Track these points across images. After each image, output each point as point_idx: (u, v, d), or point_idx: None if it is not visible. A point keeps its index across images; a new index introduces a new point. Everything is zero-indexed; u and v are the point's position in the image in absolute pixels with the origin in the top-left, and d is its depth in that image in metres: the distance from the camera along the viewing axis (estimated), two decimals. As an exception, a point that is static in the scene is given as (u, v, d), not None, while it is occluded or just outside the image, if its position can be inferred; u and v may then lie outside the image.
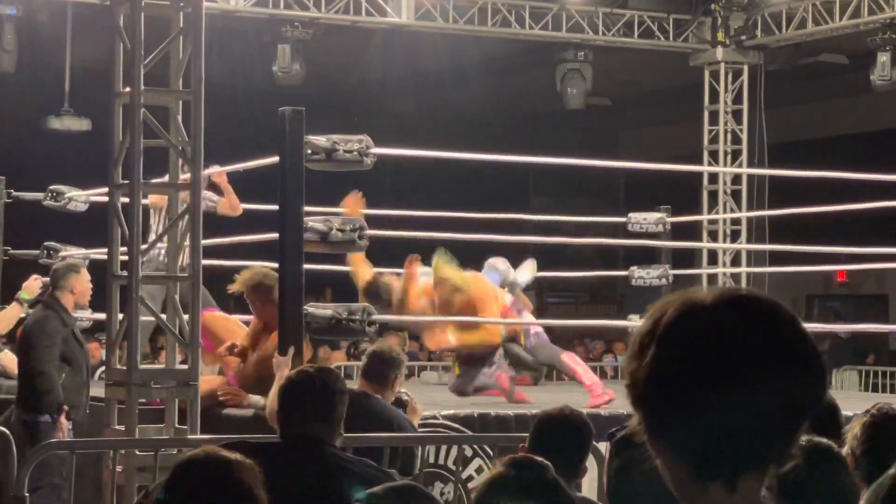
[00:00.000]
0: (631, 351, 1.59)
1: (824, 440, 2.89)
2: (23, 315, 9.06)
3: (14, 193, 10.94)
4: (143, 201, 6.34)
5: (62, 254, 10.64)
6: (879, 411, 3.27)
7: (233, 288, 7.75)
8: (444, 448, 7.29)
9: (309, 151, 7.10)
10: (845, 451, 3.12)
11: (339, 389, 4.08)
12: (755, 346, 1.53)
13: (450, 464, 7.09)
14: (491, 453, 6.79)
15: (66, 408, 7.70)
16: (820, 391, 1.57)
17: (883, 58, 14.29)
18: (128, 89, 6.31)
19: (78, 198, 10.54)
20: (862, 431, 3.18)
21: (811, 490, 2.76)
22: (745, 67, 15.52)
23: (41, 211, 10.78)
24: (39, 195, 10.71)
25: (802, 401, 1.55)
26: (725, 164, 15.37)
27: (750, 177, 14.95)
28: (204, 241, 6.45)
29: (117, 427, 6.31)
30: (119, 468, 6.02)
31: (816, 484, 2.78)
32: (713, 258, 15.08)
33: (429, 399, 8.46)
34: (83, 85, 15.26)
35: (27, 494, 5.47)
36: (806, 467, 2.76)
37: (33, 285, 9.14)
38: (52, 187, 10.65)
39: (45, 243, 10.79)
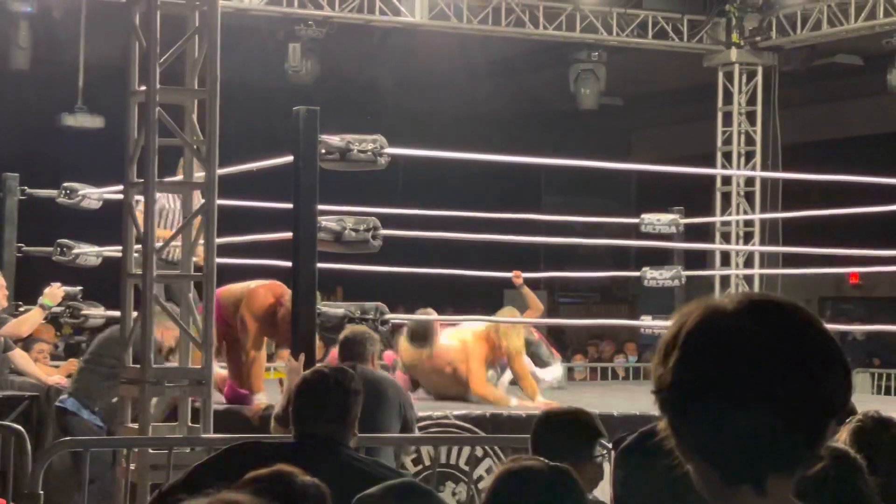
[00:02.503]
0: (657, 357, 1.61)
1: (842, 446, 2.89)
2: (43, 321, 9.15)
3: (28, 190, 10.97)
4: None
5: (75, 251, 10.66)
6: (866, 416, 3.26)
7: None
8: (455, 448, 7.29)
9: (323, 151, 7.11)
10: None
11: (353, 390, 4.07)
12: (777, 349, 1.54)
13: (461, 464, 7.09)
14: (502, 454, 6.78)
15: None
16: (844, 392, 1.58)
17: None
18: (143, 88, 6.32)
19: (91, 195, 10.55)
20: (850, 437, 3.17)
21: (829, 496, 2.75)
22: (760, 68, 15.49)
23: (55, 208, 10.80)
24: (53, 192, 10.73)
25: (827, 402, 1.56)
26: (739, 166, 15.34)
27: (763, 178, 14.92)
28: (218, 240, 6.46)
29: (131, 425, 6.32)
30: (132, 466, 6.03)
31: (834, 490, 2.77)
32: (726, 260, 15.05)
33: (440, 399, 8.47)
34: (97, 82, 15.28)
35: (41, 492, 5.47)
36: (824, 472, 2.76)
37: (56, 292, 9.17)
38: (65, 184, 10.66)
39: (59, 240, 10.80)
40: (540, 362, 10.09)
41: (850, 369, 1.60)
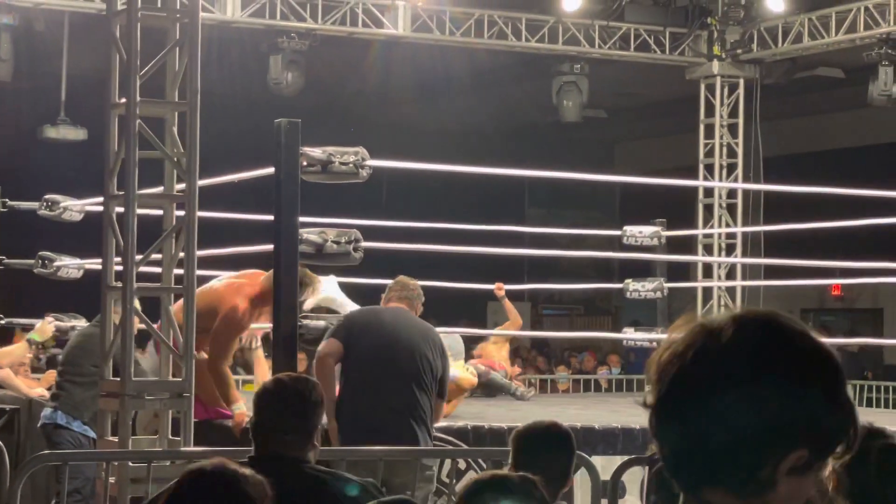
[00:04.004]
0: (648, 375, 1.61)
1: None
2: (29, 356, 9.07)
3: (9, 203, 10.93)
4: (139, 211, 6.31)
5: (57, 263, 10.64)
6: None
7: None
8: (437, 461, 7.27)
9: (304, 163, 7.11)
10: (828, 470, 3.11)
11: (313, 400, 4.04)
12: (762, 368, 1.54)
13: (443, 477, 7.07)
14: (485, 466, 6.77)
15: None
16: (841, 421, 1.57)
17: (885, 73, 14.30)
18: (123, 100, 6.30)
19: (73, 207, 10.52)
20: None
21: (879, 490, 2.77)
22: (741, 81, 15.54)
23: (36, 220, 10.77)
24: (35, 205, 10.70)
25: (814, 421, 1.55)
26: (721, 178, 15.38)
27: (745, 190, 14.96)
28: (198, 253, 6.44)
29: (111, 438, 6.30)
30: (112, 479, 6.01)
31: (886, 483, 2.79)
32: (708, 272, 15.08)
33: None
34: (79, 94, 15.25)
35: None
36: (877, 466, 2.78)
37: (47, 328, 9.10)
38: (46, 197, 10.64)
39: (40, 253, 10.77)
40: (497, 386, 10.33)
41: (841, 386, 1.58)
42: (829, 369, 1.57)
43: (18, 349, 9.18)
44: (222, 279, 7.90)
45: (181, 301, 7.41)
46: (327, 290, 8.36)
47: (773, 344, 1.56)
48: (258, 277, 7.59)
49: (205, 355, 7.43)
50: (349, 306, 8.25)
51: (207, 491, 2.79)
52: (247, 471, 2.83)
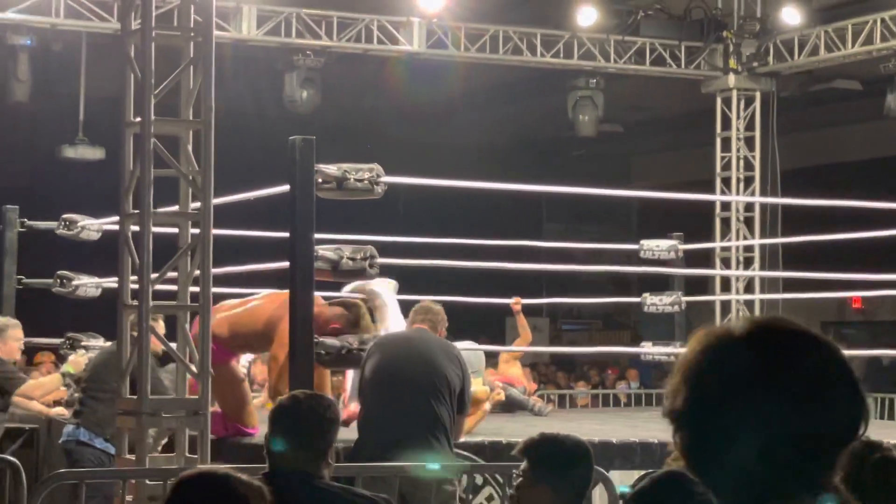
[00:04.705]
0: (669, 383, 1.62)
1: None
2: (63, 389, 9.11)
3: (28, 223, 10.98)
4: (154, 230, 6.33)
5: (75, 282, 10.67)
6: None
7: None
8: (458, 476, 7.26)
9: (320, 180, 7.12)
10: None
11: (328, 417, 4.05)
12: (780, 377, 1.55)
13: (461, 492, 7.06)
14: (501, 481, 6.76)
15: None
16: (852, 424, 1.57)
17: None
18: (138, 119, 6.33)
19: (90, 226, 10.56)
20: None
21: (874, 502, 2.77)
22: (758, 94, 15.51)
23: (55, 240, 10.81)
24: (53, 224, 10.74)
25: (833, 434, 1.56)
26: (738, 191, 15.35)
27: (763, 203, 14.93)
28: (214, 270, 6.46)
29: (128, 456, 6.31)
30: (129, 497, 6.01)
31: (881, 495, 2.78)
32: (726, 285, 15.04)
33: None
34: (97, 114, 15.33)
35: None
36: (873, 478, 2.77)
37: (80, 360, 9.14)
38: (64, 216, 10.68)
39: (59, 272, 10.81)
40: (515, 403, 10.33)
41: (863, 399, 1.59)
42: (846, 377, 1.58)
43: (52, 382, 9.17)
44: (261, 296, 7.90)
45: (220, 315, 7.48)
46: (379, 288, 8.42)
47: (792, 350, 1.57)
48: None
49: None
50: (390, 312, 8.26)
51: (200, 493, 2.80)
52: (240, 474, 2.85)
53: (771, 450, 1.53)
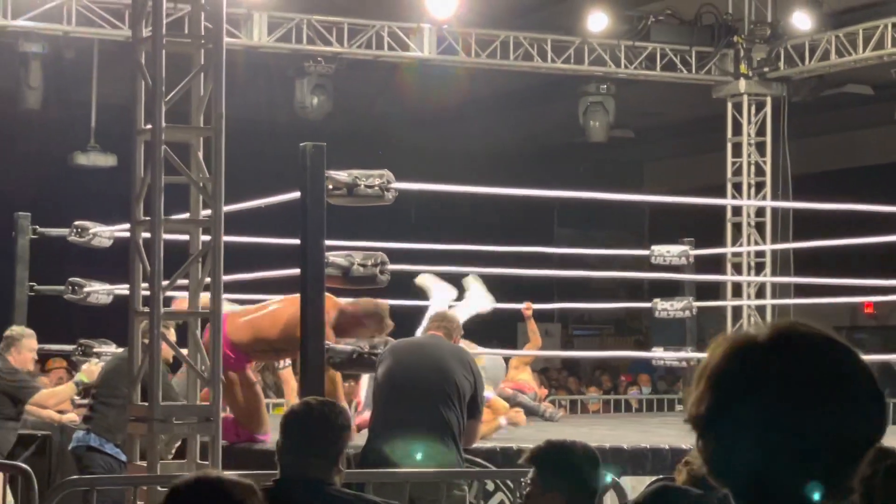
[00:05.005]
0: (690, 389, 1.63)
1: None
2: (77, 399, 9.17)
3: (39, 230, 11.01)
4: (165, 237, 6.34)
5: (86, 289, 10.70)
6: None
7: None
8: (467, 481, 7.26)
9: (330, 186, 7.13)
10: None
11: (339, 424, 4.05)
12: (803, 382, 1.56)
13: (471, 498, 7.06)
14: (512, 486, 6.76)
15: None
16: (876, 424, 1.58)
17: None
18: (149, 126, 6.34)
19: (102, 233, 10.59)
20: None
21: None
22: (769, 99, 15.50)
23: (66, 247, 10.84)
24: (65, 231, 10.77)
25: (855, 435, 1.56)
26: (749, 196, 15.33)
27: (774, 209, 14.91)
28: (225, 277, 6.47)
29: (139, 463, 6.32)
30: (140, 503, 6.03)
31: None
32: (737, 290, 15.02)
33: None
34: (109, 121, 15.36)
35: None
36: (884, 485, 2.77)
37: (94, 369, 9.19)
38: (76, 223, 10.71)
39: (70, 279, 10.83)
40: (526, 409, 10.32)
41: (884, 401, 1.60)
42: (868, 380, 1.59)
43: (65, 391, 9.21)
44: (280, 300, 7.91)
45: (241, 319, 7.51)
46: (461, 312, 8.57)
47: (815, 357, 1.58)
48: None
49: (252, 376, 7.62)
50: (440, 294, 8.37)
51: (192, 499, 2.81)
52: (231, 476, 2.88)
53: (796, 454, 1.54)
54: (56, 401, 9.11)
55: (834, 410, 1.55)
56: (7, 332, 9.23)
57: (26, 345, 9.15)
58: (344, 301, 7.68)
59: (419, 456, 6.41)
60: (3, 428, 8.83)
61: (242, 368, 7.71)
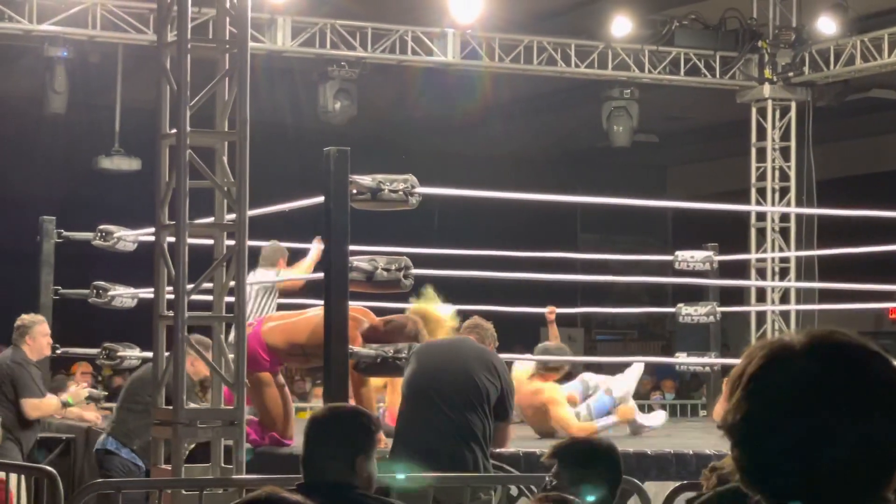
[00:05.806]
0: (725, 394, 1.63)
1: None
2: (58, 416, 9.24)
3: (64, 233, 11.05)
4: (190, 241, 6.36)
5: (111, 293, 10.73)
6: None
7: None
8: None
9: (354, 191, 7.13)
10: None
11: (365, 428, 4.04)
12: (839, 390, 1.55)
13: (495, 503, 7.05)
14: (536, 492, 6.74)
15: None
16: None
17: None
18: (174, 130, 6.36)
19: (126, 237, 10.62)
20: None
21: None
22: (793, 104, 15.45)
23: (91, 250, 10.88)
24: (89, 235, 10.81)
25: (893, 443, 1.56)
26: (773, 202, 15.29)
27: (798, 214, 14.86)
28: (249, 281, 6.48)
29: (164, 466, 6.34)
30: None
31: None
32: (761, 296, 14.97)
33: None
34: (133, 125, 15.42)
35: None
36: None
37: (81, 392, 9.27)
38: (101, 227, 10.74)
39: (95, 283, 10.87)
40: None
41: None
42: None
43: (50, 406, 9.12)
44: (318, 308, 7.93)
45: (278, 323, 7.55)
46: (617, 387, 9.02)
47: (851, 365, 1.57)
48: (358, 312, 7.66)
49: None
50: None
51: None
52: (297, 497, 2.85)
53: (836, 464, 1.53)
54: (39, 414, 9.05)
55: (874, 419, 1.54)
56: (18, 322, 9.23)
57: (39, 331, 9.18)
58: (378, 319, 7.70)
59: (442, 461, 6.40)
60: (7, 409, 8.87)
61: (275, 371, 7.74)
